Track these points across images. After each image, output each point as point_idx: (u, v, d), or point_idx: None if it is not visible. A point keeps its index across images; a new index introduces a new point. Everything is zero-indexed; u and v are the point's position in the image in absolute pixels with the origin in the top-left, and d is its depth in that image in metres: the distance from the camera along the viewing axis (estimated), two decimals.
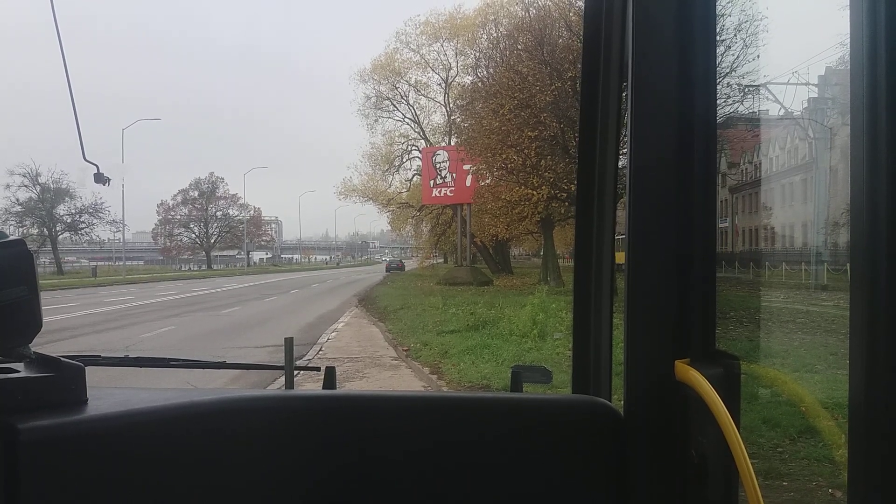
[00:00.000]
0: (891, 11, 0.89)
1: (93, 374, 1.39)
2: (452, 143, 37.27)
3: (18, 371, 1.29)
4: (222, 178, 75.83)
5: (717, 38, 1.38)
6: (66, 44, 1.73)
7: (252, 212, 78.61)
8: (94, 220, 58.89)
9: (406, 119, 44.53)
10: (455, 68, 40.97)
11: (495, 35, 30.04)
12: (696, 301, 1.32)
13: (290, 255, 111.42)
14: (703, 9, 1.33)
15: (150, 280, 46.79)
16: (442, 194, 36.06)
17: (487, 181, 28.22)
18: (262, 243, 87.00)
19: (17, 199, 55.95)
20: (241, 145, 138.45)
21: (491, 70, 27.72)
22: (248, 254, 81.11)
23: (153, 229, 78.48)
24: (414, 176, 44.37)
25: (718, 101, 1.41)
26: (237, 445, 1.41)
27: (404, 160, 45.28)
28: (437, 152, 36.73)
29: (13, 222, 54.99)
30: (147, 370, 2.16)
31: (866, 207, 0.91)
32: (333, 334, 15.64)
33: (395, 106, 43.98)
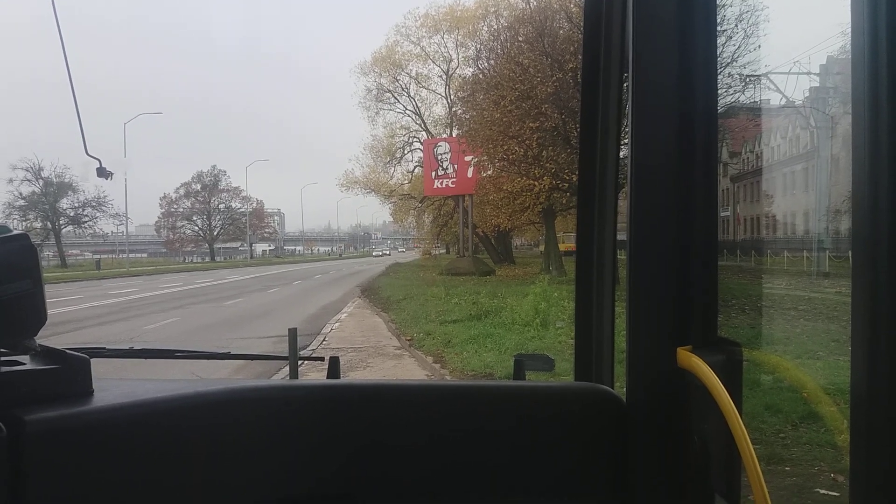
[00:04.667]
0: (892, 0, 0.89)
1: (98, 366, 1.39)
2: (454, 135, 37.13)
3: (24, 364, 1.30)
4: (225, 171, 75.61)
5: (718, 28, 1.38)
6: (68, 38, 1.73)
7: (255, 204, 78.48)
8: (98, 214, 58.94)
9: (407, 111, 44.40)
10: (456, 60, 40.80)
11: (496, 27, 29.87)
12: (697, 289, 1.32)
13: (293, 247, 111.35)
14: None
15: (154, 272, 46.84)
16: (444, 185, 36.00)
17: (489, 172, 28.18)
18: (265, 235, 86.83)
19: (21, 194, 56.03)
20: (243, 138, 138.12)
21: (492, 62, 27.57)
22: (251, 246, 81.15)
23: (156, 222, 78.49)
24: (415, 167, 44.31)
25: (720, 91, 1.41)
26: (243, 435, 1.42)
27: (406, 152, 45.22)
28: (439, 144, 36.62)
29: (17, 216, 55.06)
30: (152, 361, 2.17)
31: (868, 195, 0.91)
32: (337, 325, 15.66)
33: (396, 98, 43.86)
